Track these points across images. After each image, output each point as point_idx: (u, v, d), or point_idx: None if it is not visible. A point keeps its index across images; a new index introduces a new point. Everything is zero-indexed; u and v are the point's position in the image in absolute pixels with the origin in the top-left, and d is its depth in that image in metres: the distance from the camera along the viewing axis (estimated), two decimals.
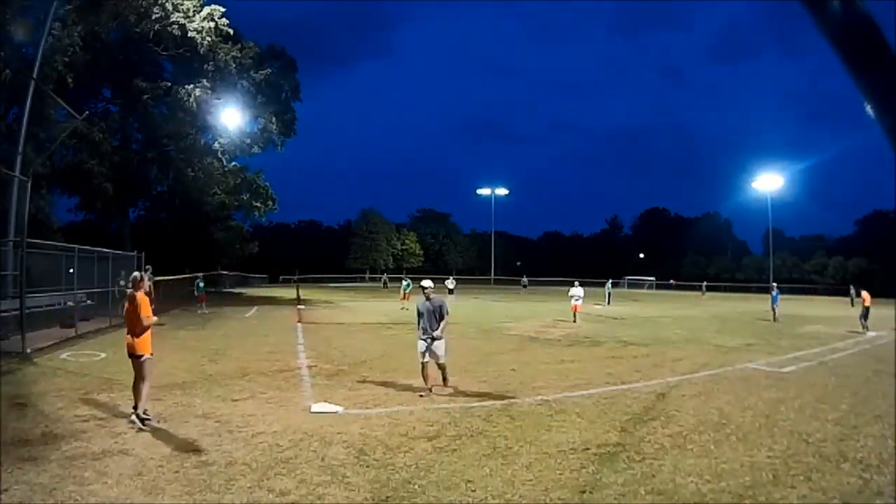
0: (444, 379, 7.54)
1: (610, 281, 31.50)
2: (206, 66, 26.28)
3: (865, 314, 16.54)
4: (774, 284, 22.84)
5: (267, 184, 32.90)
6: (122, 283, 14.87)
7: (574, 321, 17.76)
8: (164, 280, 21.28)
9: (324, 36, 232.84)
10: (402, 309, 22.06)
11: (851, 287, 18.43)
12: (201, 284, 21.93)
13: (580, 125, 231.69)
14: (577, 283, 19.31)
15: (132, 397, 5.79)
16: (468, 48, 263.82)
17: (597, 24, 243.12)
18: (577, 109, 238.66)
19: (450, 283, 33.41)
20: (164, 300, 20.96)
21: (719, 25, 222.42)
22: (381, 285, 49.52)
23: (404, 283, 25.22)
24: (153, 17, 20.85)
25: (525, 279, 48.32)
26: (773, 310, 20.43)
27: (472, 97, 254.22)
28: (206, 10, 22.63)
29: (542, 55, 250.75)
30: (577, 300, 18.30)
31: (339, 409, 6.43)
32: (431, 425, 5.79)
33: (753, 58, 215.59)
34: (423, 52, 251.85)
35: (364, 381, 8.11)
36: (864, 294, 17.22)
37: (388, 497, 3.96)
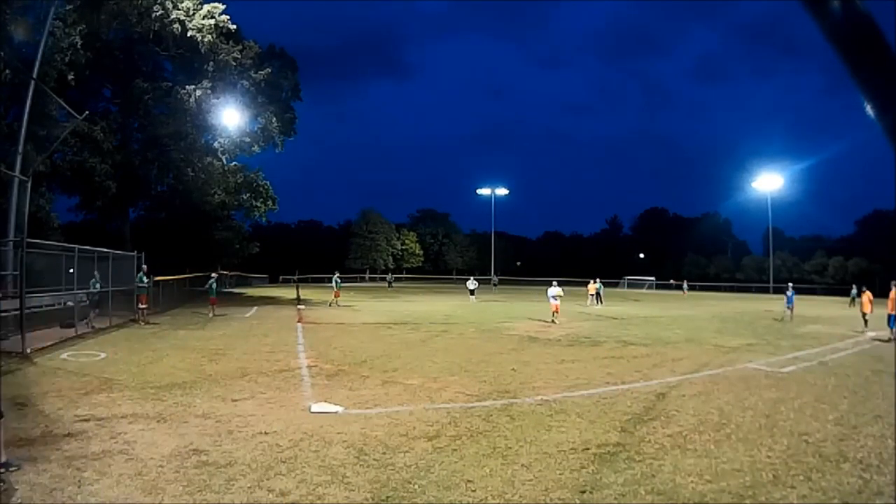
0: None
1: (598, 281, 28.95)
2: (206, 65, 26.29)
3: (864, 316, 16.47)
4: (790, 285, 22.49)
5: (267, 182, 32.94)
6: (97, 284, 14.78)
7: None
8: (163, 280, 21.23)
9: (338, 55, 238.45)
10: (329, 305, 24.11)
11: (853, 287, 18.06)
12: (214, 286, 20.37)
13: (578, 138, 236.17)
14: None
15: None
16: (472, 70, 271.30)
17: (588, 53, 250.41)
18: (574, 126, 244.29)
19: (471, 285, 33.44)
20: (164, 300, 20.98)
21: (695, 55, 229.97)
22: (387, 285, 50.86)
23: (335, 281, 27.65)
24: (153, 16, 20.84)
25: (495, 278, 53.08)
26: (789, 310, 20.30)
27: (474, 112, 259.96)
28: (206, 7, 22.64)
29: (540, 79, 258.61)
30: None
31: (339, 409, 6.43)
32: (431, 425, 5.79)
33: (726, 80, 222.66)
34: (431, 72, 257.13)
35: (364, 381, 8.11)
36: (865, 297, 16.96)
37: (388, 497, 3.96)
